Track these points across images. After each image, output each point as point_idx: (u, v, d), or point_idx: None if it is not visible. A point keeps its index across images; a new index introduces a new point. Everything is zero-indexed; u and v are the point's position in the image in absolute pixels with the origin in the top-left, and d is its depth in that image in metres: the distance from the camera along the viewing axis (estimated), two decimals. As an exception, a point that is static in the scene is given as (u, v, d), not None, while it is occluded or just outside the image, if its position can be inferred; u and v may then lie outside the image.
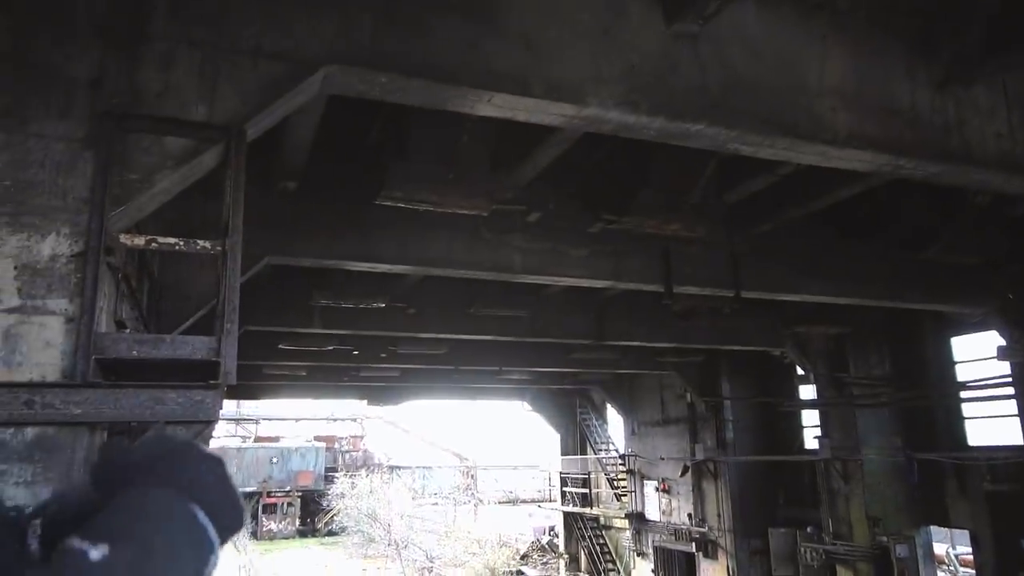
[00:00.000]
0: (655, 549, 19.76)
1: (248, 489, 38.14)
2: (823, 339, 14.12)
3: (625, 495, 21.62)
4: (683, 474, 18.36)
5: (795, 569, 15.56)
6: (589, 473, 24.29)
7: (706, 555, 17.68)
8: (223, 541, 0.82)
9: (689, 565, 18.58)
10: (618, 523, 22.42)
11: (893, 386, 13.94)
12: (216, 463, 0.86)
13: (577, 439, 25.33)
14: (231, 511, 0.84)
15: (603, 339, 12.77)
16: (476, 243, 8.54)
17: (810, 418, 16.42)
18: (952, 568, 18.07)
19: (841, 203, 8.89)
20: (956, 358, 13.67)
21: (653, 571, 19.78)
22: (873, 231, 9.85)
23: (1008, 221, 9.94)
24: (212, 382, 3.65)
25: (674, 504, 19.13)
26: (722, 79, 5.35)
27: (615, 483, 22.39)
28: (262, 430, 44.34)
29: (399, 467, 48.83)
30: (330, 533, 39.85)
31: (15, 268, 3.51)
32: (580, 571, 24.99)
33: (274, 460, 40.48)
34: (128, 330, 4.70)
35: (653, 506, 20.13)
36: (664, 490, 19.56)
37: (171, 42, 4.09)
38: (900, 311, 12.30)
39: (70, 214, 3.66)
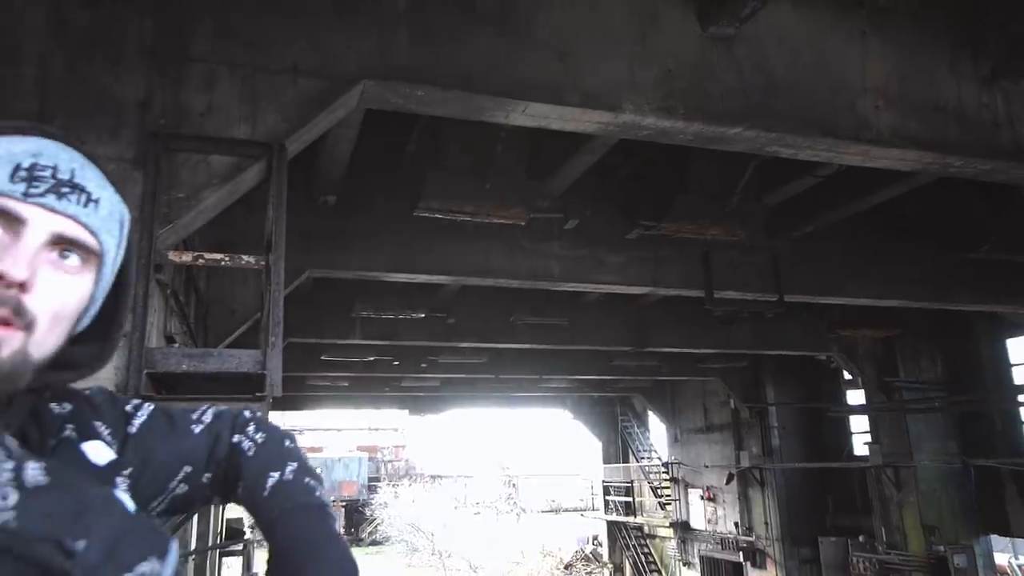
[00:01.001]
0: (701, 558, 19.59)
1: (294, 500, 38.56)
2: (870, 342, 13.89)
3: (669, 503, 21.47)
4: (728, 482, 18.19)
5: (847, 579, 15.32)
6: (632, 481, 24.17)
7: (754, 564, 17.47)
8: None
9: (737, 575, 18.38)
10: (662, 532, 22.26)
11: (946, 390, 13.68)
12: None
13: (619, 447, 25.23)
14: None
15: (643, 346, 12.73)
16: (514, 252, 8.59)
17: (859, 424, 16.17)
18: (1013, 578, 17.57)
19: (886, 203, 8.76)
20: (1012, 360, 13.35)
21: (699, 580, 19.59)
22: (920, 231, 9.70)
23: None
24: (259, 394, 3.75)
25: (719, 512, 18.95)
26: (759, 81, 5.33)
27: (658, 491, 22.25)
28: (305, 441, 44.76)
29: (441, 476, 49.02)
30: (374, 542, 40.14)
31: (69, 286, 3.63)
32: (624, 580, 24.86)
33: (318, 469, 40.88)
34: (177, 344, 4.84)
35: (698, 514, 19.95)
36: (709, 498, 19.38)
37: (213, 63, 4.23)
38: (951, 312, 12.06)
39: (121, 233, 3.77)
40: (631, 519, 24.14)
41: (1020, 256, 9.62)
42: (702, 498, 19.69)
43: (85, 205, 0.93)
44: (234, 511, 18.90)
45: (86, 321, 0.98)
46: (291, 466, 1.18)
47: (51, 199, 0.88)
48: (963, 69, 5.92)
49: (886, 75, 5.68)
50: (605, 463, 26.07)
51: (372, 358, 14.23)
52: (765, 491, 17.17)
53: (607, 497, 25.93)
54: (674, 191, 7.63)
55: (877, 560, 14.21)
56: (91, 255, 0.93)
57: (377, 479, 44.15)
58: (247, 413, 1.22)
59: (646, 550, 23.53)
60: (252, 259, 3.99)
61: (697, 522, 19.97)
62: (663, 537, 22.42)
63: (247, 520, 23.11)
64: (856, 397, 15.84)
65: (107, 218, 0.98)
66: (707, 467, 19.33)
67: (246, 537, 15.79)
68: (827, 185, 8.36)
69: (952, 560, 13.01)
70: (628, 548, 24.58)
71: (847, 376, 15.74)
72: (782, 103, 5.36)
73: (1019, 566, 17.67)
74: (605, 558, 27.01)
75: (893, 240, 9.92)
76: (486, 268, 8.54)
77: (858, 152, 5.70)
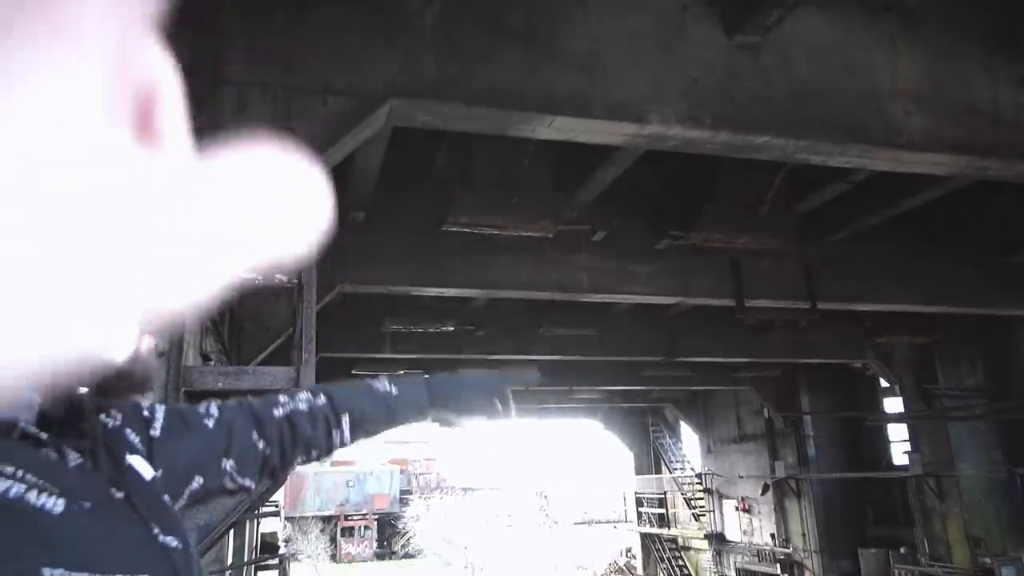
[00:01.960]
0: (737, 571, 19.43)
1: (326, 513, 38.80)
2: (908, 349, 13.72)
3: (703, 515, 21.32)
4: (763, 492, 18.03)
5: (888, 591, 15.11)
6: (665, 492, 24.03)
7: (792, 577, 17.28)
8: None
9: (774, 587, 18.19)
10: (696, 544, 22.10)
11: (988, 397, 13.44)
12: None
13: (651, 458, 25.10)
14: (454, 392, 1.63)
15: (674, 356, 12.68)
16: (542, 264, 8.62)
17: (898, 432, 15.96)
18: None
19: (921, 207, 8.67)
20: (1057, 366, 13.10)
21: (737, 594, 19.42)
22: (958, 235, 9.57)
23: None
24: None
25: (755, 524, 18.78)
26: (788, 88, 5.32)
27: (692, 502, 22.10)
28: (337, 454, 45.05)
29: (472, 489, 48.99)
30: (407, 556, 40.23)
31: (108, 307, 3.74)
32: (660, 593, 24.69)
33: (350, 483, 41.12)
34: (212, 362, 4.93)
35: (733, 526, 19.78)
36: (744, 509, 19.22)
37: (244, 85, 4.32)
38: (992, 317, 11.86)
39: (157, 254, 3.87)
40: (664, 531, 23.98)
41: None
42: (737, 509, 19.54)
43: None
44: (269, 526, 19.06)
45: None
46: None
47: None
48: (998, 71, 5.85)
49: (917, 78, 5.63)
50: (637, 474, 25.95)
51: (402, 372, 14.29)
52: (802, 502, 17.00)
53: (640, 509, 25.79)
54: (703, 200, 7.63)
55: (920, 573, 14.02)
56: None
57: (409, 492, 44.26)
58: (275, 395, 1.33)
59: (680, 562, 23.37)
60: (285, 277, 4.07)
61: (732, 534, 19.81)
62: (697, 549, 22.26)
63: (281, 535, 23.33)
64: (894, 405, 15.64)
65: None
66: (741, 477, 19.18)
67: (281, 552, 15.95)
68: (859, 190, 8.29)
69: (999, 572, 12.75)
70: (662, 560, 24.41)
71: (884, 384, 15.55)
72: (811, 110, 5.34)
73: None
74: (639, 571, 26.83)
75: (930, 245, 9.80)
76: (514, 281, 8.58)
77: (890, 157, 5.67)
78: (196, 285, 0.37)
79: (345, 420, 1.42)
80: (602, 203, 8.07)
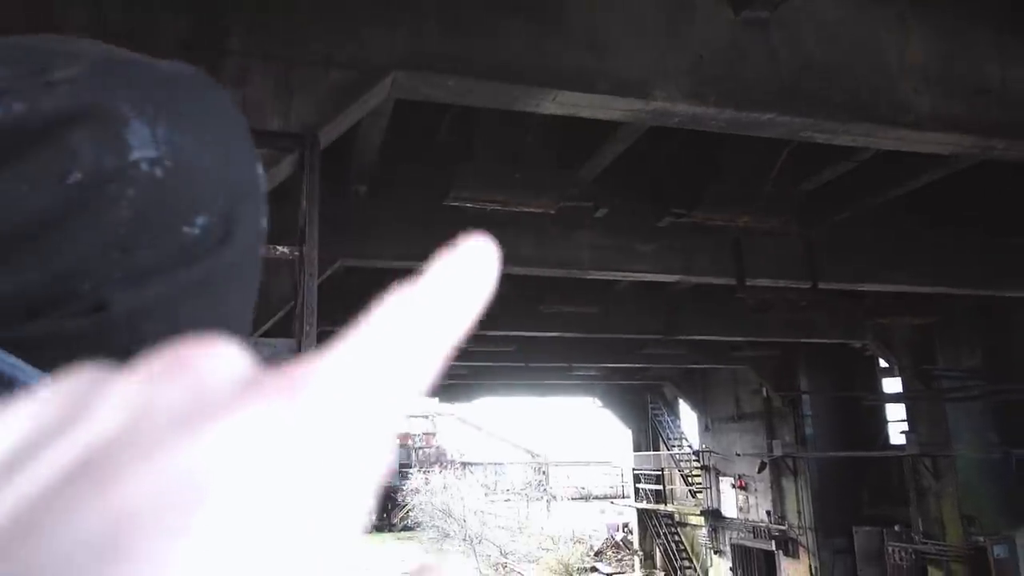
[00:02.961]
0: (732, 547, 19.56)
1: (322, 485, 38.88)
2: (908, 330, 13.70)
3: (700, 492, 21.45)
4: (760, 470, 18.10)
5: (882, 569, 15.22)
6: (662, 469, 24.15)
7: (787, 553, 17.41)
8: None
9: (768, 564, 18.33)
10: (693, 520, 22.25)
11: (986, 379, 13.45)
12: None
13: (649, 435, 25.22)
14: None
15: (674, 334, 12.68)
16: (544, 241, 8.59)
17: (895, 413, 16.00)
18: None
19: (925, 188, 8.60)
20: (1056, 348, 13.08)
21: (731, 569, 19.59)
22: (962, 216, 9.52)
23: None
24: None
25: (751, 501, 18.88)
26: (794, 65, 5.26)
27: (689, 479, 22.23)
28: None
29: (471, 463, 49.26)
30: (405, 528, 40.44)
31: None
32: (655, 568, 24.87)
33: (349, 458, 41.16)
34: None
35: (730, 503, 19.90)
36: (740, 487, 19.32)
37: (247, 57, 4.26)
38: (992, 299, 11.82)
39: (157, 226, 3.85)
40: (661, 507, 24.14)
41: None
42: (733, 487, 19.64)
43: None
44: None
45: None
46: None
47: None
48: (1008, 50, 5.77)
49: (925, 57, 5.55)
50: (635, 451, 26.10)
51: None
52: (798, 480, 17.08)
53: (637, 485, 25.96)
54: (706, 179, 7.58)
55: (914, 550, 14.09)
56: None
57: (408, 466, 44.42)
58: None
59: (677, 538, 23.54)
60: (286, 249, 4.04)
61: (729, 510, 19.92)
62: (694, 525, 22.42)
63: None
64: (892, 385, 15.67)
65: None
66: (739, 456, 19.26)
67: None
68: (863, 170, 8.24)
69: (992, 550, 12.82)
70: (659, 536, 24.60)
71: (883, 364, 15.56)
72: (818, 87, 5.28)
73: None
74: (636, 546, 27.07)
75: (932, 226, 9.73)
76: (516, 256, 8.54)
77: (897, 136, 5.61)
78: None
79: None
80: (605, 180, 8.02)
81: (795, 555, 17.13)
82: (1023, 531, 13.30)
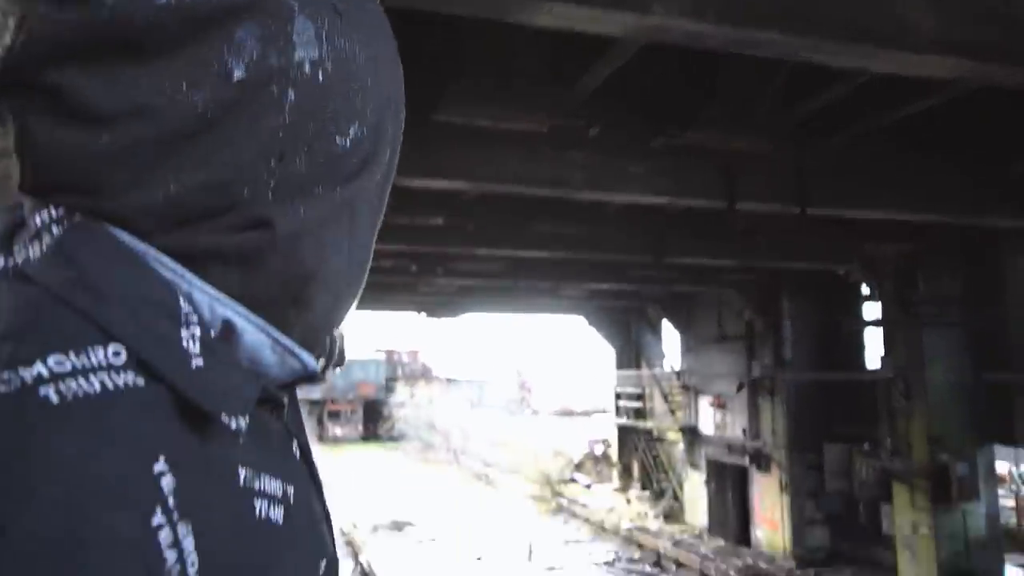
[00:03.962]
0: (708, 462, 20.01)
1: (313, 397, 39.63)
2: (892, 257, 13.69)
3: (679, 410, 21.79)
4: (739, 390, 18.37)
5: (848, 484, 15.61)
6: (644, 388, 24.50)
7: (759, 468, 17.82)
8: None
9: (741, 478, 18.78)
10: (671, 436, 22.71)
11: (964, 306, 13.57)
12: None
13: (632, 354, 25.47)
14: None
15: (662, 257, 12.59)
16: (535, 159, 8.35)
17: (873, 337, 16.16)
18: (1014, 487, 17.92)
19: (918, 115, 8.44)
20: (1034, 278, 13.17)
21: (706, 483, 20.08)
22: (953, 144, 9.37)
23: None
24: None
25: (728, 419, 19.23)
26: (795, -17, 5.02)
27: (669, 398, 22.55)
28: (324, 342, 45.65)
29: (456, 380, 50.04)
30: (391, 439, 41.48)
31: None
32: (633, 480, 25.49)
33: (336, 373, 41.81)
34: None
35: (707, 421, 20.27)
36: (718, 405, 19.64)
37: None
38: (976, 229, 11.79)
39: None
40: (641, 423, 24.60)
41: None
42: (712, 405, 19.96)
43: None
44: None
45: None
46: None
47: None
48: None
49: (931, -24, 5.31)
50: (618, 369, 26.40)
51: (390, 263, 14.24)
52: (774, 400, 17.35)
53: (619, 402, 26.38)
54: (700, 100, 7.38)
55: (880, 467, 14.44)
56: None
57: (394, 380, 45.16)
58: None
59: (655, 452, 24.07)
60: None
61: (706, 428, 20.31)
62: (671, 441, 22.89)
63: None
64: (872, 312, 15.77)
65: None
66: (719, 376, 19.51)
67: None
68: (857, 95, 8.02)
69: (954, 468, 13.17)
70: (637, 450, 25.14)
71: (865, 291, 15.62)
72: (818, 6, 5.04)
73: (1020, 475, 17.98)
74: (614, 459, 27.69)
75: (925, 153, 9.57)
76: (506, 175, 8.38)
77: (898, 59, 5.40)
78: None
79: None
80: (598, 99, 7.73)
81: (767, 470, 17.55)
82: (985, 451, 13.68)
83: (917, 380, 13.69)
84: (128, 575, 0.52)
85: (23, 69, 0.61)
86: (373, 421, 42.76)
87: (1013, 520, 16.73)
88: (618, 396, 26.37)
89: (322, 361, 0.79)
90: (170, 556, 0.54)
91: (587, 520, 22.04)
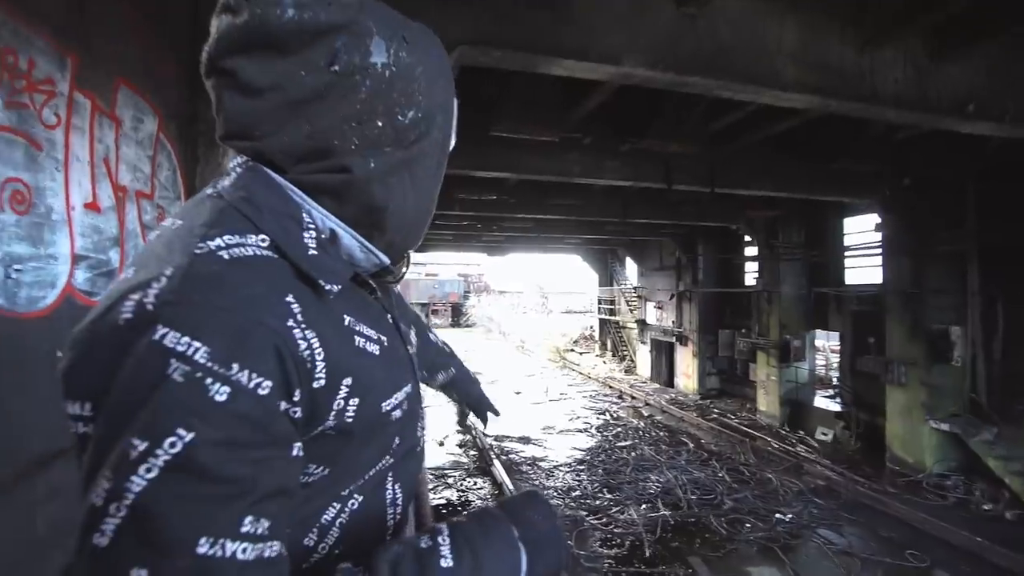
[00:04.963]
0: (651, 340, 20.06)
1: (423, 301, 40.24)
2: (763, 220, 13.34)
3: (635, 309, 21.73)
4: (671, 299, 18.23)
5: (732, 352, 15.59)
6: (614, 297, 24.42)
7: (681, 343, 17.83)
8: (541, 570, 0.62)
9: (670, 349, 18.83)
10: (630, 325, 22.73)
11: (805, 248, 13.26)
12: (549, 510, 0.66)
13: (608, 278, 25.31)
14: (553, 548, 0.63)
15: (626, 218, 12.37)
16: (550, 158, 8.18)
17: (751, 268, 15.82)
18: (825, 354, 17.81)
19: (784, 131, 8.09)
20: (845, 231, 12.81)
21: (649, 352, 20.16)
22: (801, 149, 8.99)
23: (895, 142, 9.00)
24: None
25: (664, 315, 19.15)
26: (712, 45, 4.76)
27: (629, 303, 22.46)
28: (428, 269, 46.07)
29: (504, 291, 50.18)
30: (467, 326, 42.03)
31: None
32: (607, 351, 25.72)
33: (435, 286, 42.31)
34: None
35: (652, 316, 20.20)
36: (659, 307, 19.54)
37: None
38: (813, 201, 11.39)
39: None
40: (612, 318, 24.61)
41: (862, 167, 9.02)
42: (655, 307, 19.85)
43: None
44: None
45: None
46: None
47: None
48: (848, 38, 5.20)
49: (795, 43, 5.01)
50: (600, 287, 26.29)
51: (465, 222, 14.23)
52: (691, 304, 17.19)
53: (599, 305, 26.37)
54: (650, 119, 7.12)
55: (751, 342, 14.37)
56: None
57: (468, 292, 45.47)
58: None
59: (620, 335, 24.16)
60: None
61: (651, 320, 20.25)
62: (630, 328, 22.93)
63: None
64: (751, 252, 15.40)
65: None
66: (659, 290, 19.34)
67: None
68: (749, 118, 7.69)
69: (792, 343, 13.08)
70: (610, 333, 25.27)
71: (747, 239, 15.24)
72: (726, 61, 4.80)
73: (827, 347, 17.90)
74: (597, 338, 27.84)
75: (784, 155, 9.21)
76: (533, 168, 8.25)
77: (771, 96, 5.16)
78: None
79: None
80: (589, 120, 7.56)
81: (685, 344, 17.54)
82: (811, 333, 13.60)
83: (775, 292, 13.49)
84: (273, 351, 0.51)
85: (218, 58, 0.60)
86: (456, 315, 43.34)
87: (822, 371, 16.71)
88: (599, 301, 26.34)
89: (401, 268, 0.75)
90: (302, 344, 0.54)
91: (580, 373, 22.33)
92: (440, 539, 0.59)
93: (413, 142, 0.65)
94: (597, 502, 8.55)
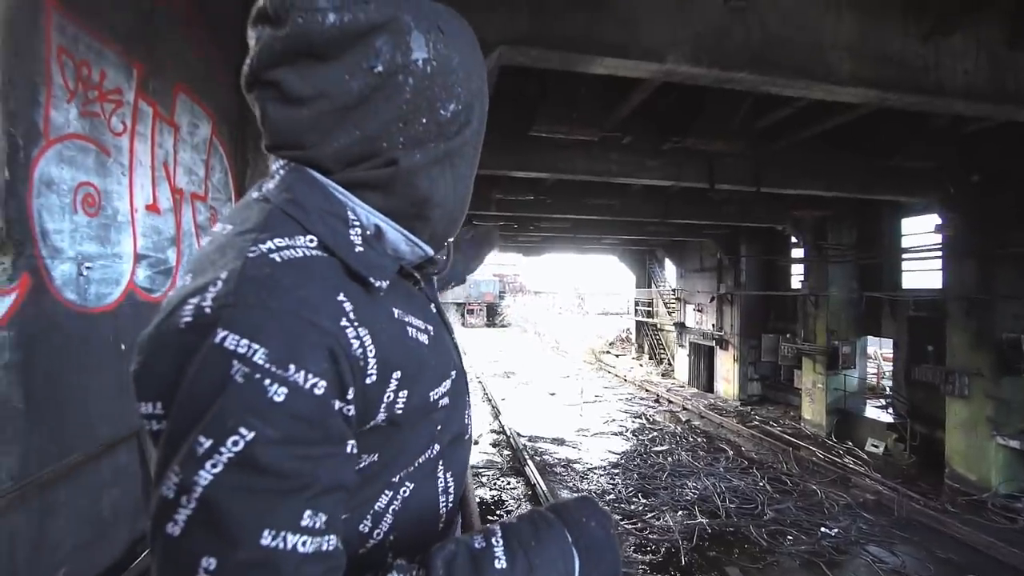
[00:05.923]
0: (690, 343, 19.62)
1: (459, 301, 40.60)
2: (811, 219, 12.83)
3: (674, 312, 21.30)
4: (711, 301, 17.78)
5: (775, 358, 15.07)
6: (652, 299, 24.01)
7: (721, 347, 17.37)
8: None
9: (709, 353, 18.37)
10: (668, 328, 22.30)
11: (856, 250, 12.69)
12: (604, 517, 0.65)
13: (646, 279, 24.91)
14: (607, 555, 0.62)
15: (666, 219, 12.14)
16: (589, 157, 8.10)
17: (796, 270, 15.24)
18: (876, 361, 16.96)
19: (833, 127, 7.75)
20: (903, 232, 12.17)
21: (688, 356, 19.74)
22: (854, 146, 8.58)
23: (962, 136, 8.44)
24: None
25: (704, 318, 18.69)
26: (761, 40, 4.61)
27: (667, 305, 22.04)
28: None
29: (540, 292, 50.09)
30: (502, 325, 42.17)
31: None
32: (644, 353, 25.32)
33: (470, 286, 42.61)
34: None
35: (691, 319, 19.76)
36: (698, 310, 19.09)
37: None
38: (868, 201, 10.87)
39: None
40: (650, 320, 24.21)
41: (918, 163, 8.53)
42: (694, 310, 19.42)
43: None
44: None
45: None
46: None
47: None
48: (909, 28, 4.93)
49: (851, 35, 4.79)
50: (637, 288, 25.91)
51: (502, 223, 14.28)
52: (733, 307, 16.72)
53: (636, 307, 25.99)
54: (693, 118, 6.96)
55: (796, 348, 13.86)
56: None
57: (503, 292, 45.63)
58: None
59: (658, 338, 23.74)
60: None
61: (690, 323, 19.82)
62: (668, 331, 22.49)
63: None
64: (797, 253, 14.86)
65: None
66: (699, 292, 18.90)
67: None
68: (798, 114, 7.40)
69: (841, 348, 12.51)
70: (647, 336, 24.86)
71: (793, 240, 14.70)
72: (775, 55, 4.64)
73: (880, 353, 17.09)
74: (633, 340, 27.47)
75: (835, 152, 8.81)
76: (570, 168, 8.18)
77: (824, 91, 4.94)
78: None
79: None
80: (629, 119, 7.44)
81: (726, 348, 17.08)
82: (861, 339, 12.97)
83: (823, 296, 12.97)
84: (327, 352, 0.52)
85: (260, 70, 0.60)
86: (491, 315, 43.55)
87: (874, 380, 15.91)
88: (636, 303, 25.96)
89: (441, 256, 0.75)
90: (355, 343, 0.55)
91: (616, 375, 22.06)
92: (494, 540, 0.59)
93: (455, 134, 0.65)
94: (632, 507, 8.43)
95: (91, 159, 2.10)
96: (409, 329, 0.64)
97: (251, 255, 0.54)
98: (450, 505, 0.70)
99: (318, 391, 0.51)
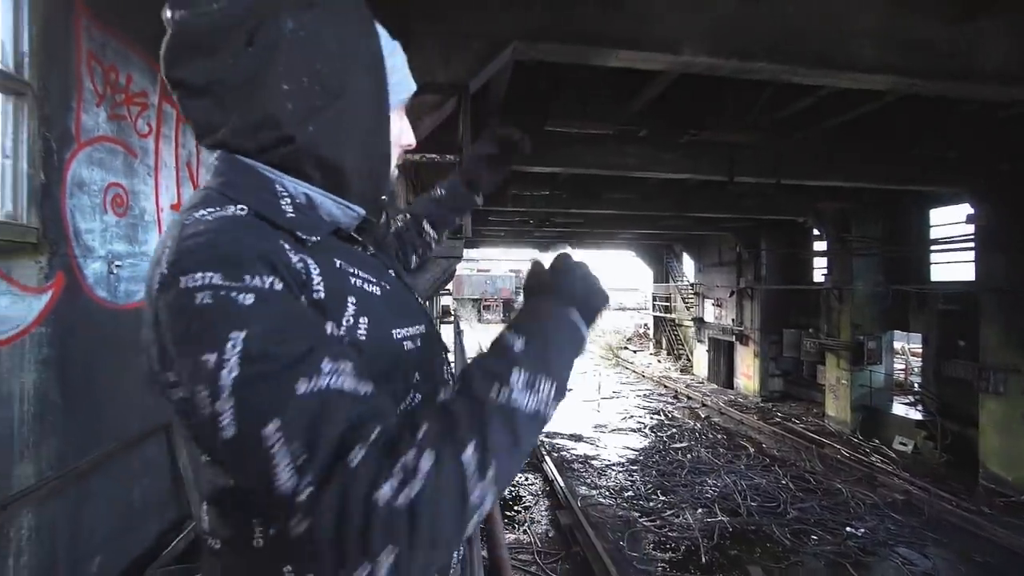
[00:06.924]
0: (709, 339, 19.44)
1: (475, 296, 40.72)
2: (833, 211, 12.58)
3: (692, 307, 21.11)
4: (731, 296, 17.58)
5: (798, 353, 14.85)
6: (670, 294, 23.82)
7: (741, 343, 17.17)
8: (591, 323, 0.67)
9: (729, 348, 18.18)
10: (686, 323, 22.12)
11: (881, 242, 12.39)
12: (583, 268, 0.70)
13: (663, 274, 24.71)
14: (594, 300, 0.68)
15: (684, 212, 12.04)
16: (604, 152, 8.05)
17: (819, 263, 14.98)
18: (904, 357, 16.57)
19: (860, 116, 7.58)
20: (932, 223, 11.85)
21: (707, 351, 19.57)
22: (874, 136, 8.39)
23: (995, 122, 8.16)
24: (459, 236, 3.86)
25: (723, 313, 18.49)
26: (779, 29, 4.53)
27: (686, 300, 21.85)
28: (480, 265, 46.58)
29: (556, 287, 49.56)
30: (518, 322, 42.04)
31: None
32: (662, 349, 25.16)
33: (487, 282, 42.73)
34: (411, 206, 4.98)
35: (710, 314, 19.57)
36: (717, 305, 18.89)
37: (422, 35, 4.03)
38: (894, 191, 10.61)
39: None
40: (668, 315, 24.03)
41: (944, 152, 8.30)
42: (713, 305, 19.22)
43: None
44: (445, 301, 20.38)
45: None
46: None
47: None
48: (938, 10, 4.78)
49: (874, 20, 4.66)
50: (654, 283, 25.72)
51: (517, 219, 14.29)
52: (752, 301, 16.51)
53: (654, 302, 25.80)
54: (710, 110, 6.88)
55: (819, 343, 13.64)
56: None
57: (519, 288, 45.39)
58: None
59: (676, 333, 23.56)
60: (451, 157, 3.96)
61: (708, 318, 19.63)
62: (687, 326, 22.31)
63: (452, 306, 24.88)
64: (820, 246, 14.61)
65: None
66: (718, 287, 18.70)
67: (452, 314, 16.95)
68: (819, 104, 7.26)
69: (866, 343, 12.29)
70: (665, 331, 24.68)
71: (815, 232, 14.44)
72: (795, 45, 4.56)
73: (908, 349, 16.67)
74: (651, 336, 27.28)
75: (858, 142, 8.62)
76: (586, 162, 8.16)
77: (849, 79, 4.84)
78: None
79: (426, 224, 1.19)
80: (645, 112, 7.38)
81: (746, 344, 16.88)
82: (887, 334, 12.68)
83: (847, 289, 12.72)
84: (266, 261, 0.56)
85: (168, 73, 0.66)
86: (508, 311, 43.55)
87: (902, 376, 15.56)
88: (654, 298, 25.78)
89: (380, 219, 0.79)
90: (294, 258, 0.59)
91: (634, 371, 22.00)
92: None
93: (338, 96, 0.66)
94: (651, 504, 8.41)
95: (119, 160, 2.18)
96: (353, 279, 0.67)
97: (187, 222, 0.60)
98: None
99: (278, 286, 0.56)
